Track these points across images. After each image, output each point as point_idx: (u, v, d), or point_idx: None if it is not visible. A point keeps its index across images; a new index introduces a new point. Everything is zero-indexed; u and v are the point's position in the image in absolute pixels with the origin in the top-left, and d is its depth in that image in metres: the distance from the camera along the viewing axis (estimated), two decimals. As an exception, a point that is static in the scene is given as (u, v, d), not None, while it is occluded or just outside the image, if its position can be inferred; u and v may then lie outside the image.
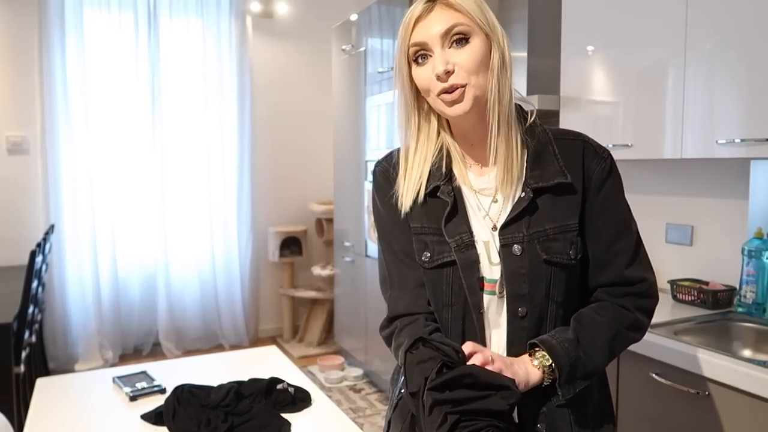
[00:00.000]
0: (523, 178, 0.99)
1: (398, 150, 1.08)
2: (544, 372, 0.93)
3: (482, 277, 0.98)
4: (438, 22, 0.94)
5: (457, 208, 1.00)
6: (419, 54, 0.96)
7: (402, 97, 1.01)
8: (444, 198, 1.00)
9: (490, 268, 0.98)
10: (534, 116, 1.03)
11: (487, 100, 0.95)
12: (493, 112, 0.96)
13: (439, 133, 1.03)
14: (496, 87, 0.95)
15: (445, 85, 0.93)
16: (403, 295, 1.04)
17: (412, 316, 1.02)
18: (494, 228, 0.99)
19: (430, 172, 1.02)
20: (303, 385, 1.61)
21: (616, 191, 1.03)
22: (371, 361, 3.76)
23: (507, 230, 0.97)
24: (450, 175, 1.02)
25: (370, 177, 2.65)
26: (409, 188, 1.01)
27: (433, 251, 1.00)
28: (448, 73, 0.92)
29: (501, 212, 1.00)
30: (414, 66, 0.97)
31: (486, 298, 0.99)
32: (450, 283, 0.99)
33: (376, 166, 1.11)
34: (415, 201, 1.01)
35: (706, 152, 1.85)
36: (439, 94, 0.95)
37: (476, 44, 0.93)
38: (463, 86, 0.93)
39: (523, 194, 0.97)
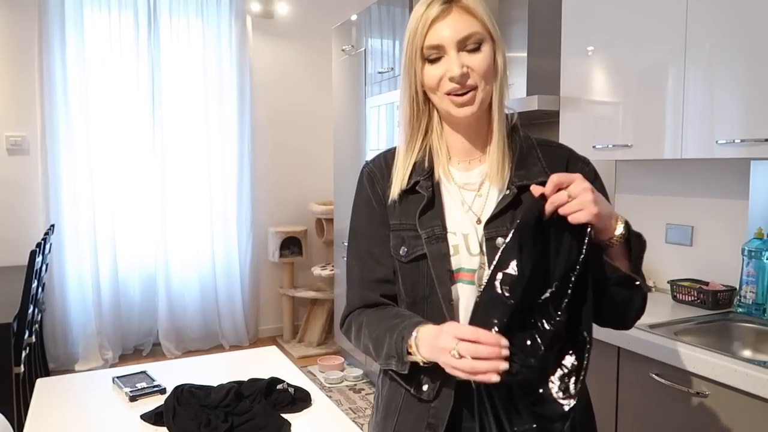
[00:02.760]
0: (508, 177, 1.04)
1: (392, 149, 1.13)
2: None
3: (452, 270, 1.01)
4: (456, 27, 0.96)
5: (433, 202, 1.04)
6: (432, 53, 0.99)
7: (408, 92, 1.04)
8: (422, 192, 1.04)
9: (470, 258, 1.02)
10: (516, 119, 1.09)
11: (491, 103, 1.02)
12: (496, 113, 1.03)
13: (428, 130, 1.07)
14: (499, 90, 1.02)
15: (457, 86, 0.98)
16: (362, 292, 1.09)
17: (372, 306, 1.08)
18: (478, 221, 1.03)
19: (413, 167, 1.06)
20: (303, 385, 1.61)
21: (605, 192, 1.09)
22: (371, 361, 3.76)
23: (492, 224, 1.01)
24: (431, 171, 1.06)
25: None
26: (396, 183, 1.06)
27: (409, 245, 1.04)
28: (464, 75, 0.97)
29: (484, 207, 1.04)
30: (425, 64, 1.00)
31: (462, 287, 1.01)
32: (425, 275, 1.03)
33: (364, 166, 1.17)
34: (398, 196, 1.06)
35: (706, 152, 1.85)
36: (448, 94, 0.99)
37: (487, 50, 0.99)
38: (475, 88, 0.98)
39: (508, 191, 1.02)
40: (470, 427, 0.97)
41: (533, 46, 2.71)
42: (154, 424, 1.41)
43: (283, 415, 1.45)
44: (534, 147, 1.07)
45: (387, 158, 1.12)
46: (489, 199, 1.04)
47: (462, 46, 0.97)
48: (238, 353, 2.04)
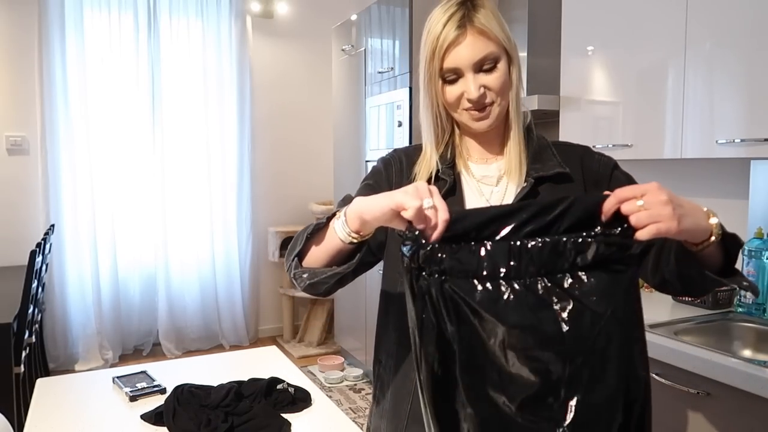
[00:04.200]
0: (525, 171, 1.06)
1: (413, 146, 1.16)
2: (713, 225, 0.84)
3: None
4: (471, 51, 0.99)
5: (455, 189, 1.07)
6: (449, 74, 1.02)
7: (432, 110, 1.06)
8: (444, 178, 1.07)
9: None
10: (530, 117, 1.12)
11: (508, 112, 1.06)
12: (513, 120, 1.06)
13: (452, 130, 1.11)
14: (516, 99, 1.05)
15: (474, 104, 1.01)
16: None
17: None
18: None
19: (438, 159, 1.09)
20: (303, 385, 1.61)
21: (631, 177, 1.12)
22: (371, 361, 3.76)
23: None
24: (453, 164, 1.09)
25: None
26: (424, 172, 1.08)
27: None
28: (481, 96, 1.01)
29: (502, 200, 1.07)
30: (444, 84, 1.03)
31: None
32: None
33: (390, 152, 1.18)
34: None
35: (706, 152, 1.85)
36: (466, 109, 1.03)
37: (502, 68, 1.01)
38: (491, 104, 1.02)
39: (525, 183, 1.05)
40: None
41: (533, 46, 2.71)
42: (154, 424, 1.41)
43: (283, 415, 1.45)
44: (548, 145, 1.10)
45: (408, 153, 1.14)
46: (507, 194, 1.07)
47: (478, 67, 1.00)
48: (238, 353, 2.03)
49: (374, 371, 1.18)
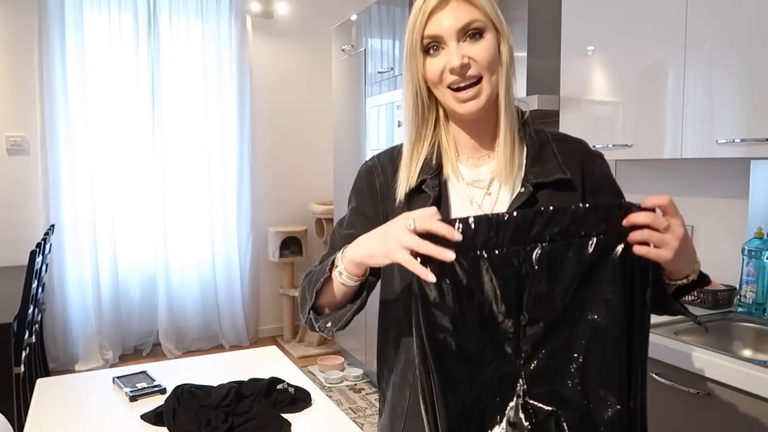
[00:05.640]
0: (522, 174, 0.99)
1: (400, 146, 1.08)
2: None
3: None
4: (455, 16, 0.93)
5: (440, 203, 0.99)
6: (431, 45, 0.96)
7: (411, 86, 1.00)
8: (428, 192, 0.99)
9: None
10: (527, 115, 1.05)
11: (497, 96, 0.97)
12: (503, 106, 0.98)
13: (437, 125, 1.04)
14: (506, 82, 0.97)
15: (458, 78, 0.94)
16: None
17: None
18: None
19: (422, 166, 1.01)
20: (303, 385, 1.61)
21: (617, 188, 1.08)
22: (371, 361, 3.76)
23: None
24: (439, 169, 1.01)
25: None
26: (402, 183, 1.01)
27: None
28: (464, 66, 0.93)
29: (495, 205, 0.99)
30: (426, 57, 0.97)
31: None
32: None
33: (368, 160, 1.12)
34: (404, 197, 1.00)
35: (706, 152, 1.85)
36: (451, 87, 0.95)
37: (489, 39, 0.94)
38: (479, 80, 0.94)
39: (523, 189, 0.97)
40: None
41: (533, 46, 2.71)
42: (155, 424, 1.41)
43: (283, 415, 1.45)
44: (548, 141, 1.02)
45: (393, 156, 1.07)
46: (500, 199, 0.99)
47: (462, 35, 0.93)
48: (238, 353, 2.03)
49: (379, 383, 1.14)
